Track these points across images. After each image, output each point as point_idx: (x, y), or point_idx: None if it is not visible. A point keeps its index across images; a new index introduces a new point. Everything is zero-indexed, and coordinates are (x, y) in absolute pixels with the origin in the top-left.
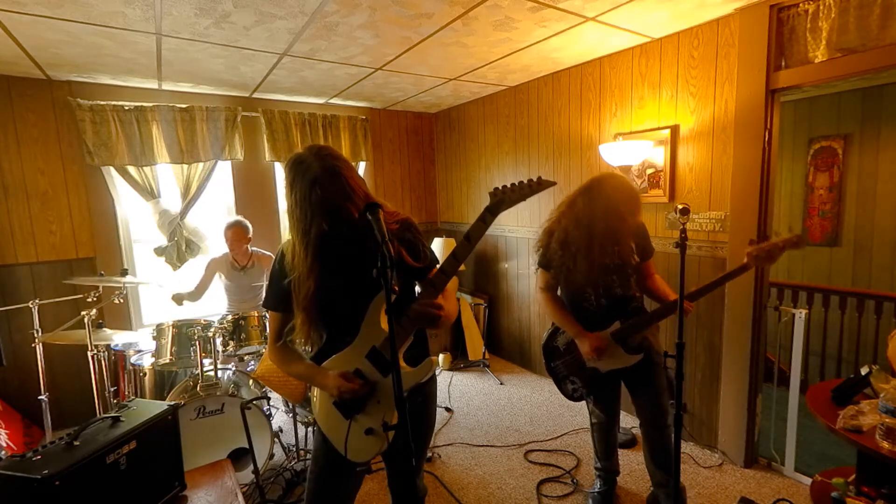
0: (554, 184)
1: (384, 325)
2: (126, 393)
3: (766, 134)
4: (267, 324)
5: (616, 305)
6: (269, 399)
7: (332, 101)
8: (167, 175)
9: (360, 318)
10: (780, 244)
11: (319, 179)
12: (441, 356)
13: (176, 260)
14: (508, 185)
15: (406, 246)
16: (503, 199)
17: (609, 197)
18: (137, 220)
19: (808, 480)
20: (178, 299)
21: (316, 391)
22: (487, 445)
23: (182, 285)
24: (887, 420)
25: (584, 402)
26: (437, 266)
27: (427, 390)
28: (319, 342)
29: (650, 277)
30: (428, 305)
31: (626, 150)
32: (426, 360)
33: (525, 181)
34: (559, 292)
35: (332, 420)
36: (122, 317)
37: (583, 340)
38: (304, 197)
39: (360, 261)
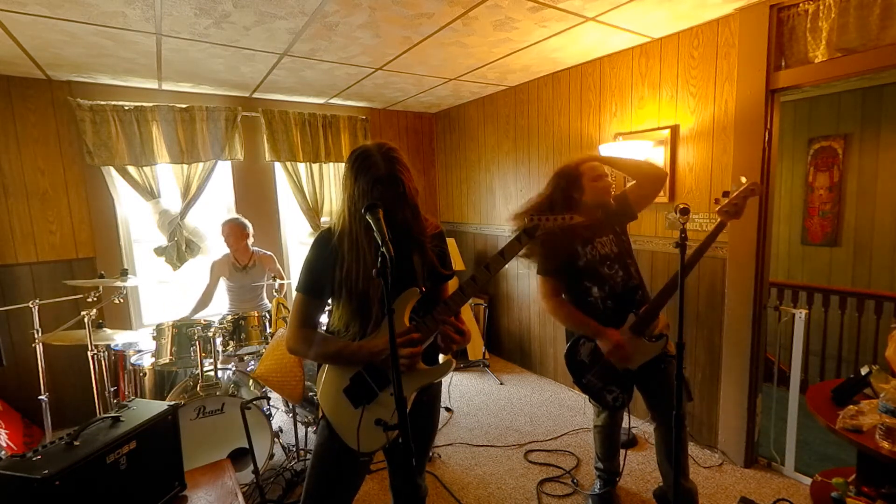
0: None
1: (407, 320)
2: (126, 393)
3: (766, 134)
4: (267, 324)
5: (623, 301)
6: (269, 399)
7: (332, 101)
8: (167, 175)
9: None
10: (742, 194)
11: (383, 179)
12: (441, 356)
13: (176, 260)
14: (544, 216)
15: (437, 253)
16: (538, 225)
17: (569, 175)
18: (137, 220)
19: (808, 480)
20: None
21: (322, 382)
22: (487, 445)
23: (183, 309)
24: (887, 420)
25: (585, 403)
26: (455, 276)
27: (434, 390)
28: (345, 332)
29: (633, 191)
30: (451, 331)
31: (627, 150)
32: (446, 359)
33: (560, 216)
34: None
35: (342, 410)
36: (122, 317)
37: (603, 337)
38: (366, 192)
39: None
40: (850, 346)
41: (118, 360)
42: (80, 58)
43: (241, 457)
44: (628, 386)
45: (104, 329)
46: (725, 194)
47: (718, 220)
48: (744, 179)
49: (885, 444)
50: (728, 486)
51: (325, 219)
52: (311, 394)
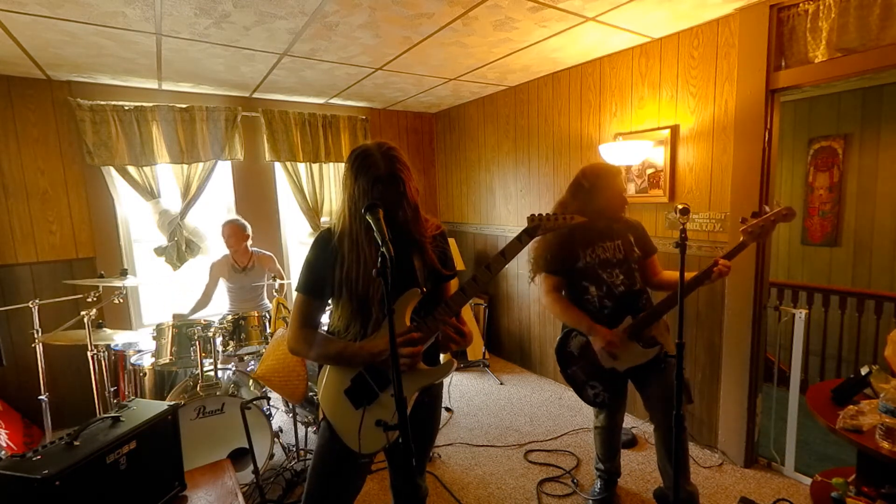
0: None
1: (408, 321)
2: (126, 393)
3: (766, 134)
4: (267, 324)
5: (623, 304)
6: (269, 399)
7: (332, 101)
8: (167, 175)
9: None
10: (772, 218)
11: (383, 178)
12: (441, 356)
13: (176, 260)
14: (544, 214)
15: (438, 253)
16: (539, 224)
17: (602, 182)
18: (137, 220)
19: (808, 480)
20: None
21: (323, 383)
22: (487, 445)
23: (181, 307)
24: (887, 420)
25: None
26: (456, 276)
27: (434, 390)
28: (345, 333)
29: (658, 275)
30: (452, 332)
31: (626, 150)
32: (447, 360)
33: (561, 215)
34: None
35: (342, 410)
36: (122, 317)
37: (595, 334)
38: (366, 191)
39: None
40: (850, 346)
41: (118, 360)
42: (80, 58)
43: (241, 457)
44: (613, 386)
45: (104, 329)
46: (754, 214)
47: (741, 239)
48: (778, 202)
49: (885, 444)
50: (728, 486)
51: (325, 219)
52: (311, 394)
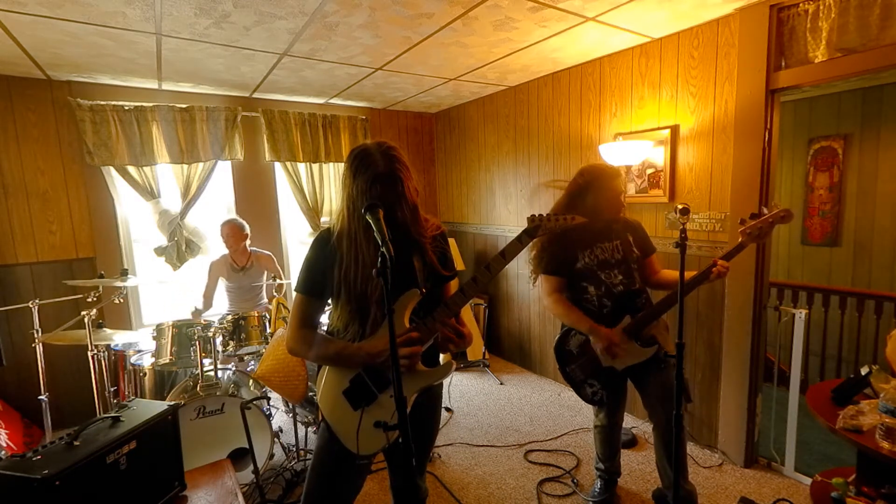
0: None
1: (407, 322)
2: (126, 393)
3: (766, 134)
4: (267, 324)
5: (621, 304)
6: (269, 399)
7: (332, 101)
8: (167, 175)
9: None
10: (770, 220)
11: (381, 177)
12: (441, 356)
13: (176, 260)
14: (545, 215)
15: (438, 254)
16: (540, 225)
17: (599, 182)
18: (137, 220)
19: (808, 480)
20: (198, 315)
21: (322, 384)
22: (487, 445)
23: (196, 301)
24: (887, 420)
25: (585, 403)
26: (457, 277)
27: (434, 391)
28: (344, 332)
29: (657, 274)
30: (451, 333)
31: (626, 150)
32: (447, 361)
33: (562, 216)
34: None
35: (340, 411)
36: (122, 317)
37: (597, 335)
38: (364, 190)
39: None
40: (850, 346)
41: (118, 360)
42: (80, 58)
43: (241, 457)
44: (611, 384)
45: (104, 329)
46: (753, 216)
47: (740, 240)
48: (777, 203)
49: (885, 444)
50: (728, 486)
51: (325, 219)
52: (311, 394)
